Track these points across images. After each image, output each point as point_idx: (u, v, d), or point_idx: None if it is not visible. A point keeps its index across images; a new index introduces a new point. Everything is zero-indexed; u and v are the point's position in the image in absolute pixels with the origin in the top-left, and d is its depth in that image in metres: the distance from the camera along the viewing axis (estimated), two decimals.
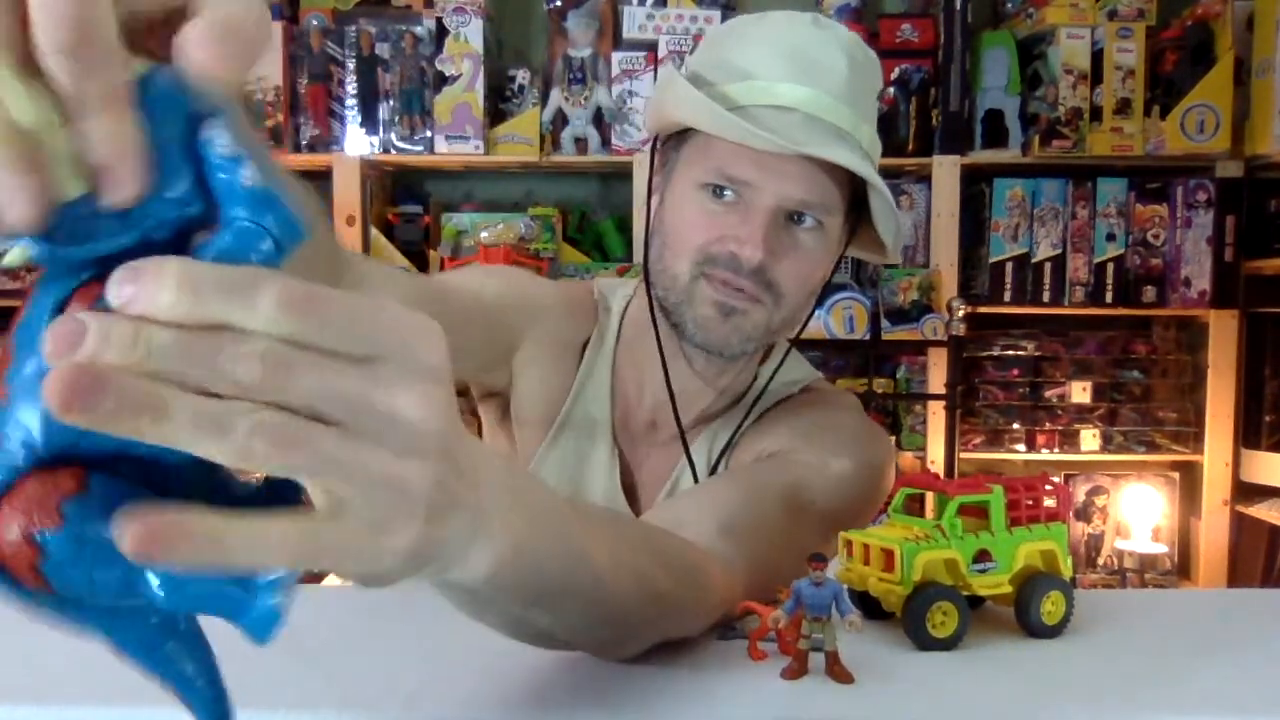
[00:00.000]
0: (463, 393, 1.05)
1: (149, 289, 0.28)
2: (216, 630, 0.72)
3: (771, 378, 0.97)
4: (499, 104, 2.42)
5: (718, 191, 0.87)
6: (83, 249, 0.30)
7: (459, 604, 0.48)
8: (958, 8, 2.34)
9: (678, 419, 0.95)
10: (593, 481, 0.97)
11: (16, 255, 0.31)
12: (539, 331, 0.97)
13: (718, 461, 0.97)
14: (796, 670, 0.61)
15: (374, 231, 2.42)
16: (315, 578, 2.03)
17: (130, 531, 0.28)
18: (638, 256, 2.25)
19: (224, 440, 0.29)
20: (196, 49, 0.29)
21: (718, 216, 0.87)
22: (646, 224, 0.95)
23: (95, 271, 0.30)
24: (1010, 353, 2.49)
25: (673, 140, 0.92)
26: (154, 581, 0.31)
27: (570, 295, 1.02)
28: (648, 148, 0.97)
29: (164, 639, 0.35)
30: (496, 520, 0.39)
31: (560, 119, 2.41)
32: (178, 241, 0.31)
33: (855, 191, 0.89)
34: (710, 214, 0.87)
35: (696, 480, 0.95)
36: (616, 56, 2.39)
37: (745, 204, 0.86)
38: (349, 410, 0.31)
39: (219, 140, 0.30)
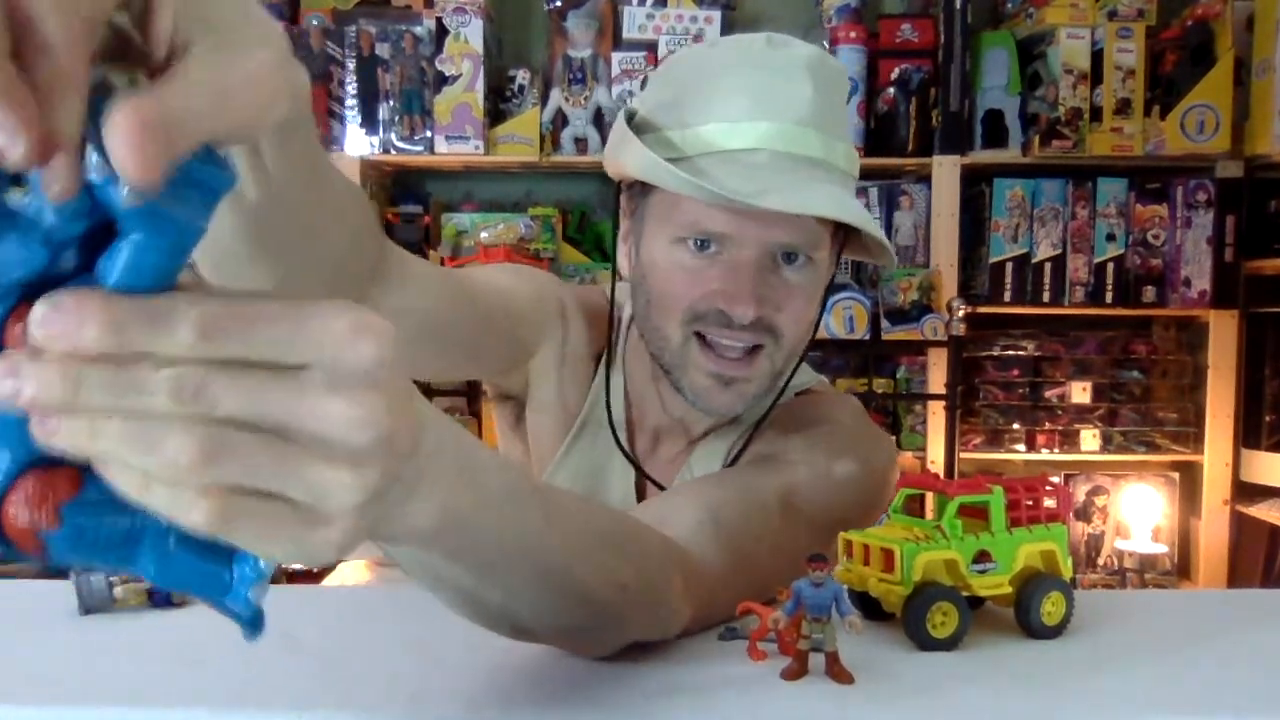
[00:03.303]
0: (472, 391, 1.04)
1: (71, 327, 0.30)
2: (216, 629, 0.72)
3: (780, 394, 0.94)
4: (499, 104, 2.42)
5: (699, 244, 0.82)
6: None
7: (407, 569, 0.49)
8: (958, 8, 2.34)
9: (680, 433, 0.95)
10: (609, 490, 0.97)
11: None
12: (558, 340, 0.96)
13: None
14: (796, 671, 0.61)
15: None
16: (315, 577, 2.03)
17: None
18: None
19: (154, 455, 0.31)
20: (112, 140, 0.28)
21: (701, 271, 0.83)
22: (613, 269, 0.93)
23: (19, 294, 0.31)
24: (1010, 353, 2.49)
25: (638, 185, 0.87)
26: (145, 561, 0.34)
27: (589, 303, 1.00)
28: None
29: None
30: (435, 490, 0.40)
31: (560, 119, 2.41)
32: (89, 250, 0.32)
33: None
34: (692, 270, 0.83)
35: None
36: (616, 56, 2.39)
37: (728, 255, 0.82)
38: (279, 422, 0.32)
39: (91, 160, 0.31)
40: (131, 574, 0.35)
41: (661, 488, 0.94)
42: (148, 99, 0.29)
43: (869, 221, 0.82)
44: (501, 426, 1.05)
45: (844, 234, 0.89)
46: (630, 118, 0.88)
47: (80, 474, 0.32)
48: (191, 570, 0.35)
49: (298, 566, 0.76)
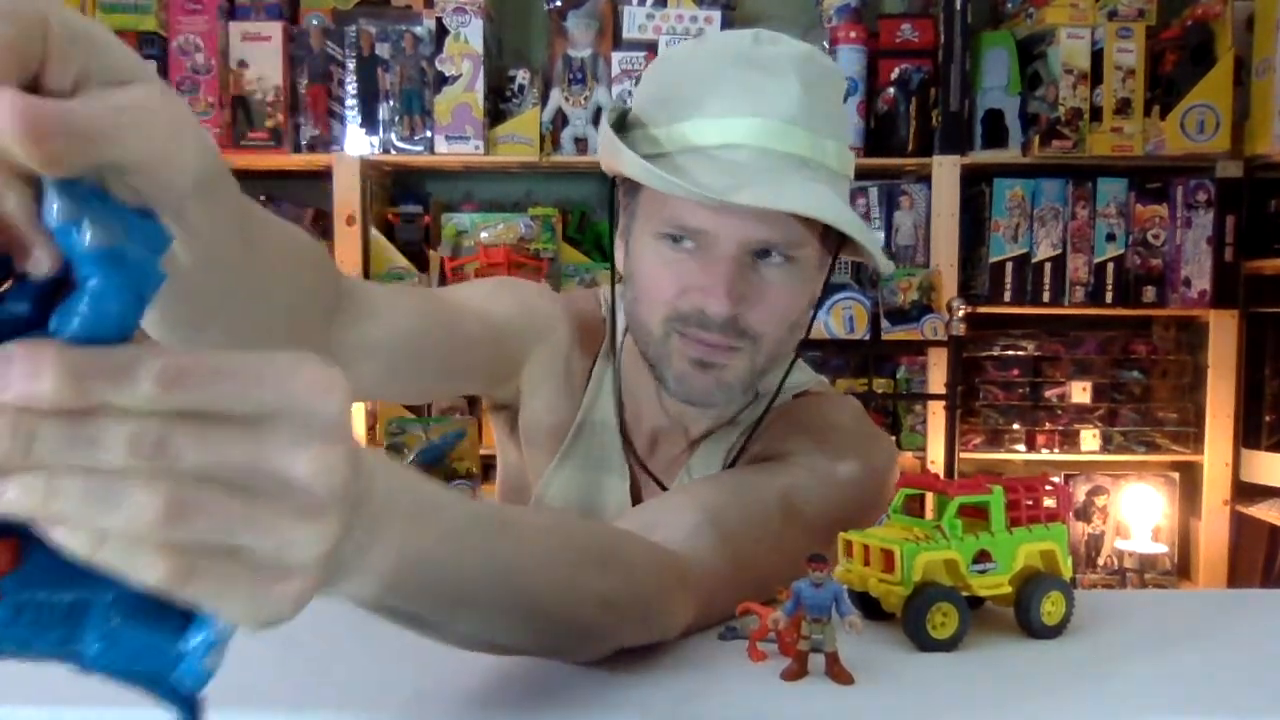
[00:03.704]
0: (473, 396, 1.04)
1: (28, 379, 0.29)
2: None
3: (776, 395, 0.95)
4: (499, 104, 2.42)
5: (677, 239, 0.83)
6: None
7: (372, 610, 0.47)
8: (958, 8, 2.33)
9: (677, 433, 0.95)
10: (606, 496, 0.96)
11: None
12: (547, 349, 0.96)
13: None
14: (796, 671, 0.61)
15: (374, 232, 2.42)
16: None
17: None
18: None
19: (115, 513, 0.30)
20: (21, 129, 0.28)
21: (679, 265, 0.83)
22: (611, 266, 0.93)
23: None
24: (1010, 353, 2.49)
25: (629, 182, 0.87)
26: (90, 640, 0.32)
27: (578, 310, 1.00)
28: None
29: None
30: (390, 535, 0.40)
31: (560, 119, 2.41)
32: (40, 305, 0.31)
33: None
34: (671, 264, 0.83)
35: None
36: (616, 56, 2.39)
37: (705, 251, 0.82)
38: (240, 475, 0.31)
39: (52, 207, 0.30)
40: (68, 661, 0.33)
41: (664, 486, 0.95)
42: (48, 101, 0.29)
43: (851, 221, 0.80)
44: (498, 435, 1.05)
45: (839, 235, 0.87)
46: (624, 115, 0.88)
47: (19, 544, 0.30)
48: (140, 645, 0.33)
49: None
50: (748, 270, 0.81)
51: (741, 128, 0.80)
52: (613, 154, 0.84)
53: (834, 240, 0.88)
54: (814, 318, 0.92)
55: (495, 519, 0.52)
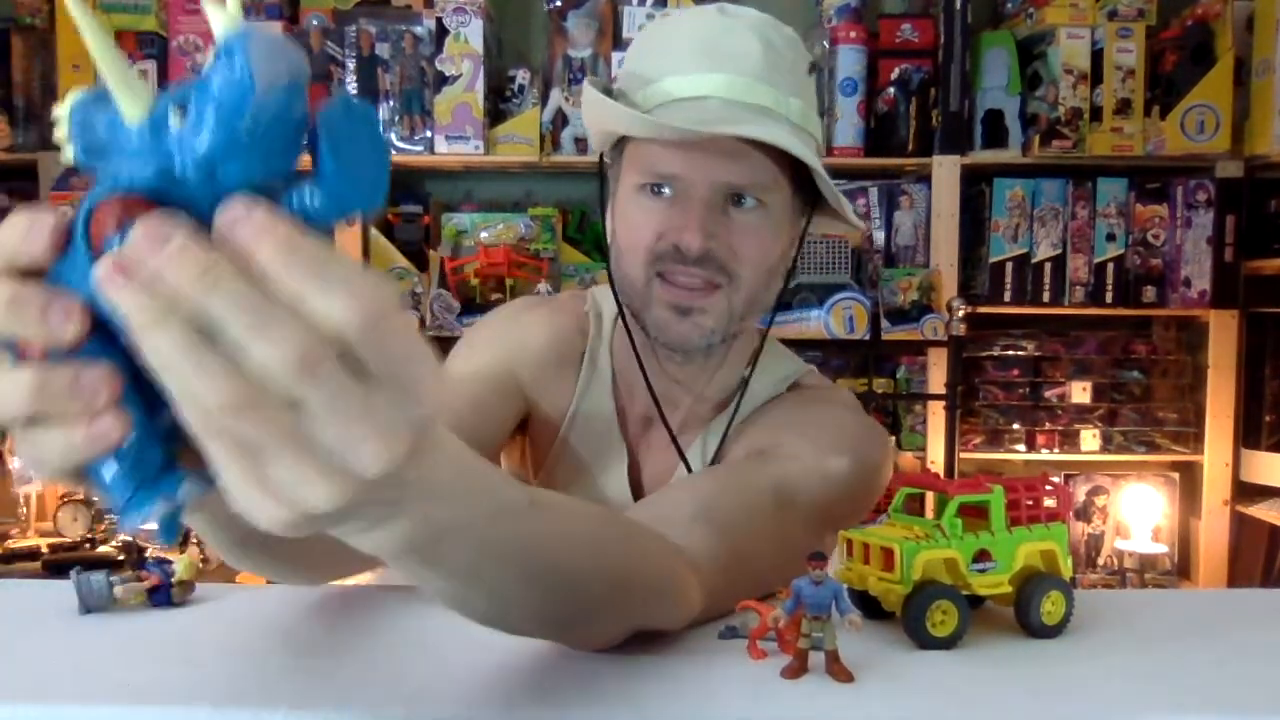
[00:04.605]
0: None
1: (253, 236, 0.32)
2: (218, 628, 0.72)
3: (747, 376, 0.97)
4: (499, 104, 2.42)
5: (655, 190, 0.88)
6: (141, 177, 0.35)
7: (390, 564, 0.49)
8: (958, 8, 2.33)
9: (665, 420, 0.95)
10: (605, 483, 0.98)
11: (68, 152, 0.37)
12: (536, 363, 0.99)
13: (712, 463, 0.96)
14: (796, 669, 0.61)
15: (374, 231, 2.42)
16: None
17: None
18: None
19: (198, 381, 0.32)
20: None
21: (658, 213, 0.88)
22: (609, 263, 0.97)
23: (124, 193, 0.34)
24: (1010, 353, 2.49)
25: (613, 153, 0.94)
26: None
27: (559, 315, 1.03)
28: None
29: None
30: (433, 495, 0.41)
31: (560, 119, 2.41)
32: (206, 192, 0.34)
33: (803, 169, 0.89)
34: (651, 212, 0.88)
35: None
36: (616, 56, 2.39)
37: (681, 197, 0.87)
38: (328, 415, 0.33)
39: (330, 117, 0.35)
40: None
41: (648, 481, 0.95)
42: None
43: (812, 160, 0.86)
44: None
45: (811, 197, 0.93)
46: (608, 91, 0.92)
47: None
48: (145, 468, 0.37)
49: None
50: (720, 212, 0.87)
51: (710, 82, 0.86)
52: (596, 109, 0.90)
53: (806, 199, 0.93)
54: (790, 278, 0.96)
55: (526, 494, 0.53)
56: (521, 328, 1.01)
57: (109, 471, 0.37)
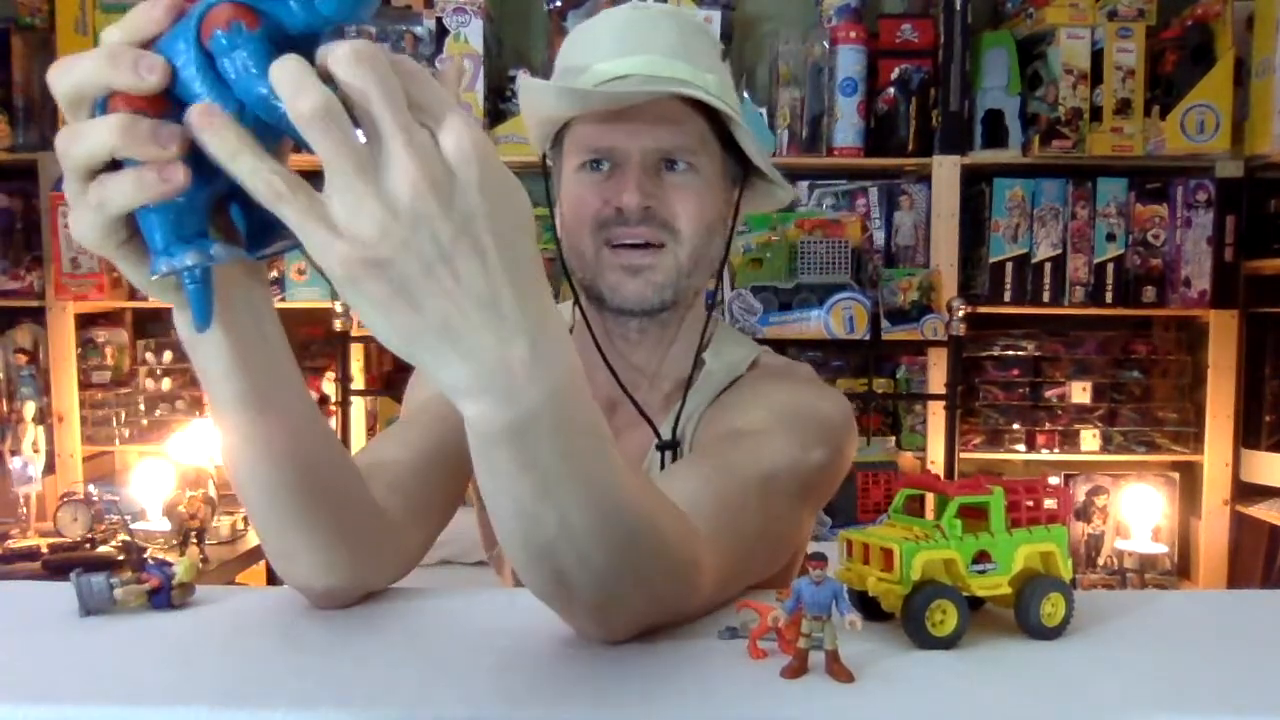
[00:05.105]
0: None
1: (364, 65, 0.42)
2: (218, 629, 0.72)
3: (701, 354, 1.01)
4: (499, 104, 2.42)
5: (594, 165, 0.96)
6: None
7: (477, 467, 0.53)
8: (958, 8, 2.34)
9: (630, 395, 0.98)
10: None
11: None
12: None
13: (674, 440, 0.98)
14: (796, 669, 0.61)
15: None
16: None
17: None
18: None
19: (290, 203, 0.44)
20: None
21: (598, 185, 0.96)
22: (554, 230, 1.05)
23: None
24: (1010, 353, 2.49)
25: (553, 151, 1.03)
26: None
27: None
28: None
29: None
30: (539, 389, 0.48)
31: None
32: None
33: (732, 142, 0.97)
34: (592, 185, 0.96)
35: (666, 453, 0.98)
36: None
37: (618, 166, 0.95)
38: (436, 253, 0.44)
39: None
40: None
41: (658, 432, 0.98)
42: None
43: (732, 110, 0.93)
44: None
45: (741, 170, 1.00)
46: None
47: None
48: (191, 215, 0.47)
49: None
50: (655, 175, 0.95)
51: (631, 64, 0.94)
52: (532, 96, 0.96)
53: (735, 172, 1.01)
54: (730, 243, 1.02)
55: (609, 430, 0.57)
56: None
57: (157, 218, 0.46)
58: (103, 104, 0.45)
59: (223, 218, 0.50)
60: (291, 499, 0.67)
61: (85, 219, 0.47)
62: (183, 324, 0.57)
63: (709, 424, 0.96)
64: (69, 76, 0.46)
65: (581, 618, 0.65)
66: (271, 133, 0.45)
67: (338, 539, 0.71)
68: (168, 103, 0.45)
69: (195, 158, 0.45)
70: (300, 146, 0.45)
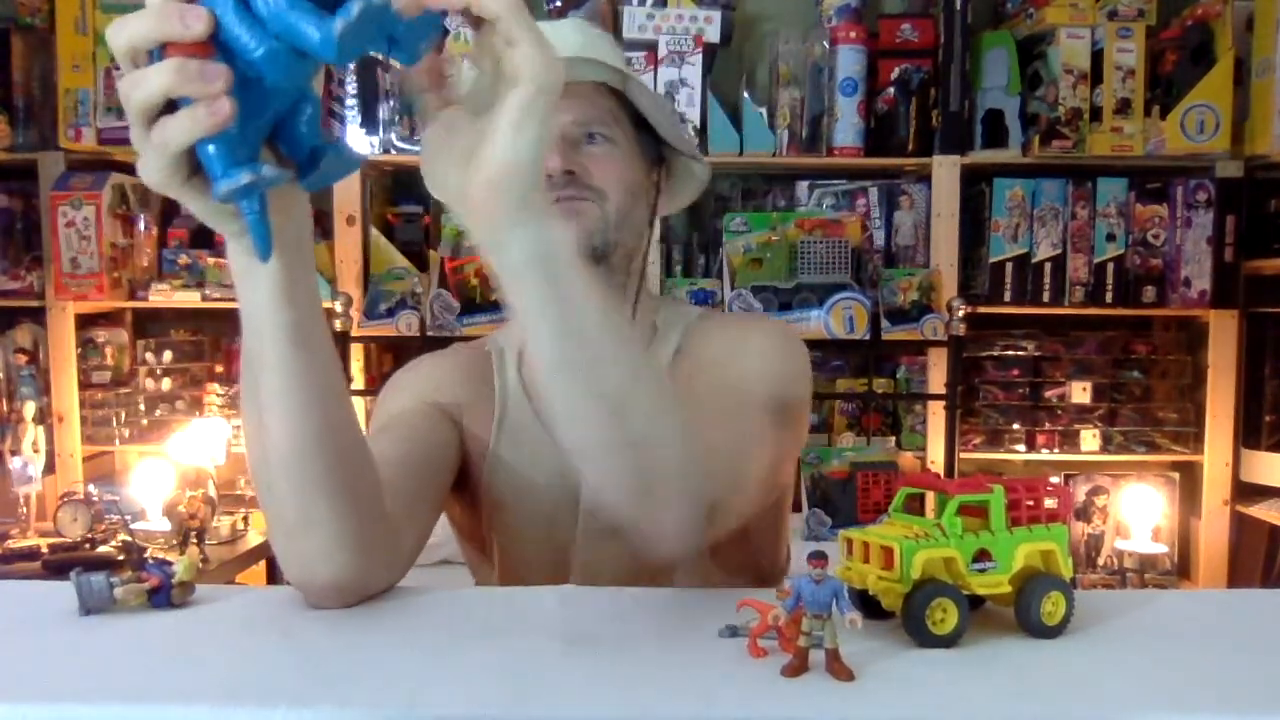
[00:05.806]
0: None
1: None
2: (218, 627, 0.72)
3: (634, 302, 1.07)
4: None
5: None
6: None
7: (512, 296, 0.66)
8: (958, 8, 2.34)
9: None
10: (547, 479, 1.02)
11: None
12: (450, 387, 1.07)
13: None
14: (797, 667, 0.61)
15: (374, 232, 2.42)
16: None
17: None
18: None
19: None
20: None
21: None
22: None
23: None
24: (1010, 353, 2.49)
25: None
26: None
27: (460, 351, 1.14)
28: None
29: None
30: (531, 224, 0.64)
31: None
32: None
33: (647, 128, 1.05)
34: None
35: None
36: None
37: None
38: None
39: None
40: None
41: None
42: None
43: (630, 80, 1.03)
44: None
45: (659, 158, 1.08)
46: None
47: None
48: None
49: None
50: (575, 147, 1.01)
51: None
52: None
53: (652, 153, 1.08)
54: (654, 219, 1.10)
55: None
56: (426, 366, 1.12)
57: (213, 148, 0.53)
58: (158, 54, 0.53)
59: (275, 153, 0.60)
60: (320, 450, 0.71)
61: (152, 161, 0.55)
62: (237, 253, 0.65)
63: (672, 376, 1.02)
64: (124, 32, 0.53)
65: (660, 504, 0.75)
66: (302, 63, 0.53)
67: (352, 507, 0.74)
68: (213, 47, 0.52)
69: (242, 94, 0.52)
70: (315, 68, 0.55)
